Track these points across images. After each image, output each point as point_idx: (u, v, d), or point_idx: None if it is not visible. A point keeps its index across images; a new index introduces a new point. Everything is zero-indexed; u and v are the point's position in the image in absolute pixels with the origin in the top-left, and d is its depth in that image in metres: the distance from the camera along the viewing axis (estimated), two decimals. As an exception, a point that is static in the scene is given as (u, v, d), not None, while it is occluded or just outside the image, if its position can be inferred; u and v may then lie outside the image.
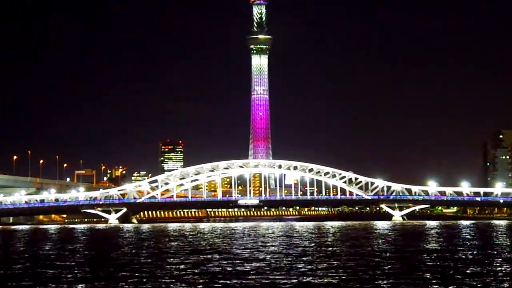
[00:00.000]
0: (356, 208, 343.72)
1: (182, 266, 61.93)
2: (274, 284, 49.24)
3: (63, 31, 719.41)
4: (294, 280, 50.92)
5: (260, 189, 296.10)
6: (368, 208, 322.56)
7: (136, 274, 55.78)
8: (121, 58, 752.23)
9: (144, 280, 52.15)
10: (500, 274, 54.62)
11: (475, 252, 75.74)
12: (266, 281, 50.78)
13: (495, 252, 75.97)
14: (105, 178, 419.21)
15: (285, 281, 50.59)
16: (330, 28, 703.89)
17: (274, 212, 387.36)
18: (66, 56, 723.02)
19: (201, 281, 51.30)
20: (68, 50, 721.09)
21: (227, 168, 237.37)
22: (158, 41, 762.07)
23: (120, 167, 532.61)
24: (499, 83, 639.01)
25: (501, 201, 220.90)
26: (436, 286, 47.81)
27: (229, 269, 59.25)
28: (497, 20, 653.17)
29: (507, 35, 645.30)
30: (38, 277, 55.00)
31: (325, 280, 50.75)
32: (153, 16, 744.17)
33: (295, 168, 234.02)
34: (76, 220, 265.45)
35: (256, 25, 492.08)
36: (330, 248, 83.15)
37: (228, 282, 50.36)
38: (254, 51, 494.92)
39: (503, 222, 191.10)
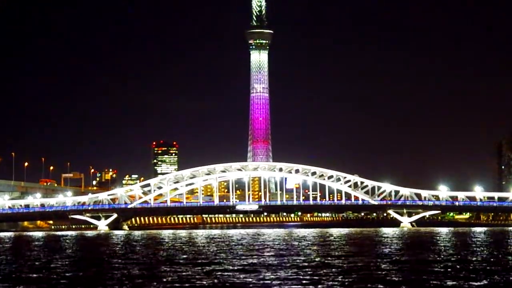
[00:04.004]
0: (362, 214, 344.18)
1: (175, 278, 61.85)
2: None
3: (51, 31, 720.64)
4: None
5: (260, 193, 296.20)
6: (374, 214, 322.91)
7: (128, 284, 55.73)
8: (112, 55, 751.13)
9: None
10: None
11: (489, 262, 75.54)
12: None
13: (510, 261, 75.84)
14: (94, 182, 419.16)
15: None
16: (335, 22, 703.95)
17: (275, 218, 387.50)
18: (52, 54, 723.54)
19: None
20: (56, 48, 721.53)
21: (224, 172, 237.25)
22: (150, 37, 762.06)
23: (110, 170, 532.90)
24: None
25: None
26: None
27: (226, 281, 59.21)
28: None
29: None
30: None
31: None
32: (147, 11, 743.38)
33: (297, 171, 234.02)
34: (63, 226, 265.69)
35: (255, 19, 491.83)
36: (335, 260, 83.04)
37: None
38: (254, 47, 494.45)
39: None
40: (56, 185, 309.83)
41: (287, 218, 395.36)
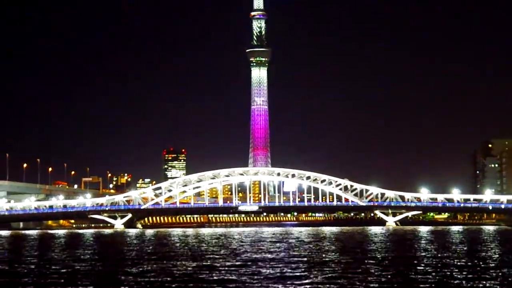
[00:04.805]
0: (352, 214, 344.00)
1: (180, 272, 62.24)
2: None
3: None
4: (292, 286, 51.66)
5: (260, 196, 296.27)
6: (362, 214, 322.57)
7: (141, 279, 56.31)
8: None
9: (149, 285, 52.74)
10: (488, 279, 55.10)
11: (464, 257, 75.83)
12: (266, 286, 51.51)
13: (485, 257, 76.19)
14: (111, 185, 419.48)
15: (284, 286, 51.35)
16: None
17: (273, 218, 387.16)
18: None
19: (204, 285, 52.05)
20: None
21: (228, 176, 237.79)
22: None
23: (126, 174, 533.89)
24: (489, 94, 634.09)
25: (490, 207, 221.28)
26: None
27: (230, 274, 59.68)
28: (493, 27, 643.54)
29: (500, 45, 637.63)
30: (46, 281, 55.39)
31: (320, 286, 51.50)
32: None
33: (293, 175, 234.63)
34: (83, 225, 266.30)
35: (255, 39, 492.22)
36: (327, 255, 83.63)
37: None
38: (254, 64, 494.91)
39: (492, 228, 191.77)
40: (69, 186, 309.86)
41: (284, 218, 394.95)
